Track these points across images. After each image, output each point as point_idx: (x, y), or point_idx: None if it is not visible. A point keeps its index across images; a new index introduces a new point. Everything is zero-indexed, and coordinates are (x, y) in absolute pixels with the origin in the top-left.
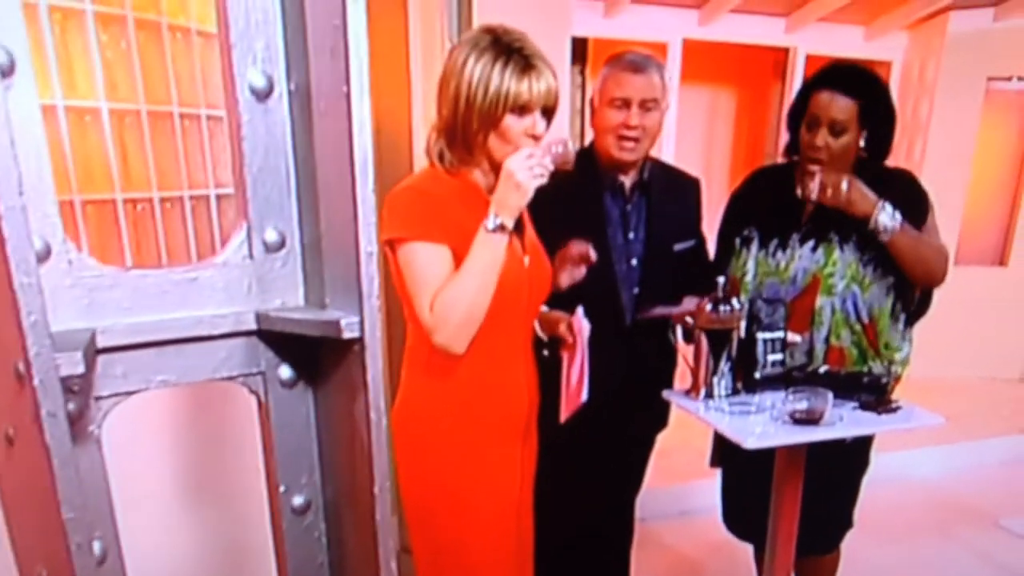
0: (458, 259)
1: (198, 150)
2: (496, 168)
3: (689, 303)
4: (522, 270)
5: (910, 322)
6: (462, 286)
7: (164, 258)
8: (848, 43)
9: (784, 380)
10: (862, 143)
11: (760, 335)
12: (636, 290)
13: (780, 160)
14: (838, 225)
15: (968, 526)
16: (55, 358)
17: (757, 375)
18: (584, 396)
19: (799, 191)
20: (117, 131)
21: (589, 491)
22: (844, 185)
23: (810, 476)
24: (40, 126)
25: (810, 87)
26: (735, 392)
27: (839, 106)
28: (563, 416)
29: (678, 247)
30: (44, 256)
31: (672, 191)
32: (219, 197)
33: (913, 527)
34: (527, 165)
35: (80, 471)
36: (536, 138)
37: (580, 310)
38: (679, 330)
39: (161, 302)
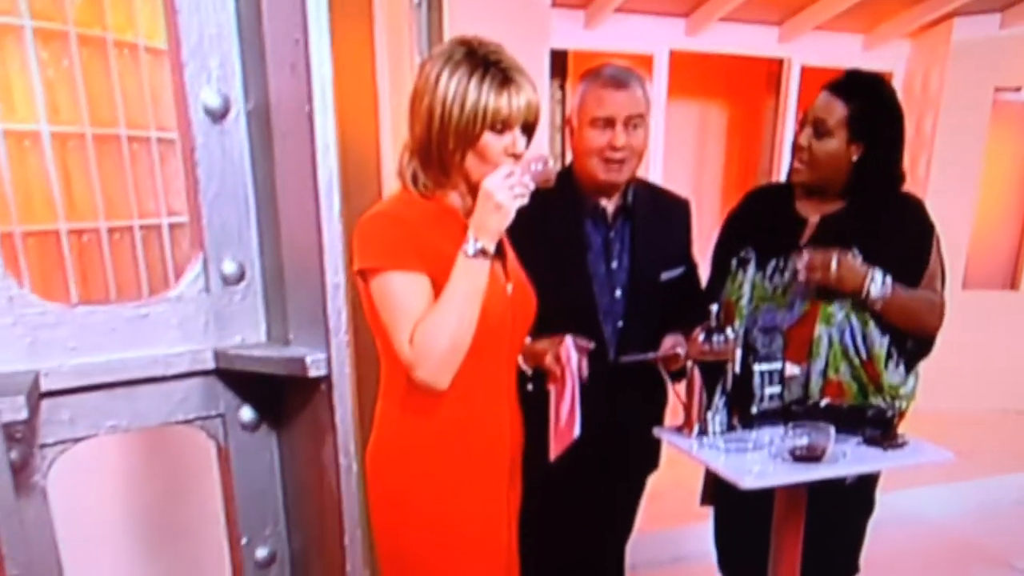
0: (437, 288)
1: (148, 176)
2: (474, 190)
3: (668, 343)
4: (505, 298)
5: (909, 365)
6: (443, 317)
7: (113, 293)
8: (846, 53)
9: (783, 415)
10: (855, 158)
11: (757, 367)
12: (620, 323)
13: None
14: (840, 249)
15: (981, 569)
16: None
17: (754, 409)
18: (576, 431)
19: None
20: (60, 156)
21: (576, 537)
22: (833, 263)
23: (810, 519)
24: None
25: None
26: (731, 428)
27: (825, 106)
28: (552, 454)
29: (665, 276)
30: None
31: (659, 214)
32: (172, 226)
33: (923, 571)
34: (507, 184)
35: (25, 524)
36: (517, 157)
37: (568, 339)
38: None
39: (110, 341)
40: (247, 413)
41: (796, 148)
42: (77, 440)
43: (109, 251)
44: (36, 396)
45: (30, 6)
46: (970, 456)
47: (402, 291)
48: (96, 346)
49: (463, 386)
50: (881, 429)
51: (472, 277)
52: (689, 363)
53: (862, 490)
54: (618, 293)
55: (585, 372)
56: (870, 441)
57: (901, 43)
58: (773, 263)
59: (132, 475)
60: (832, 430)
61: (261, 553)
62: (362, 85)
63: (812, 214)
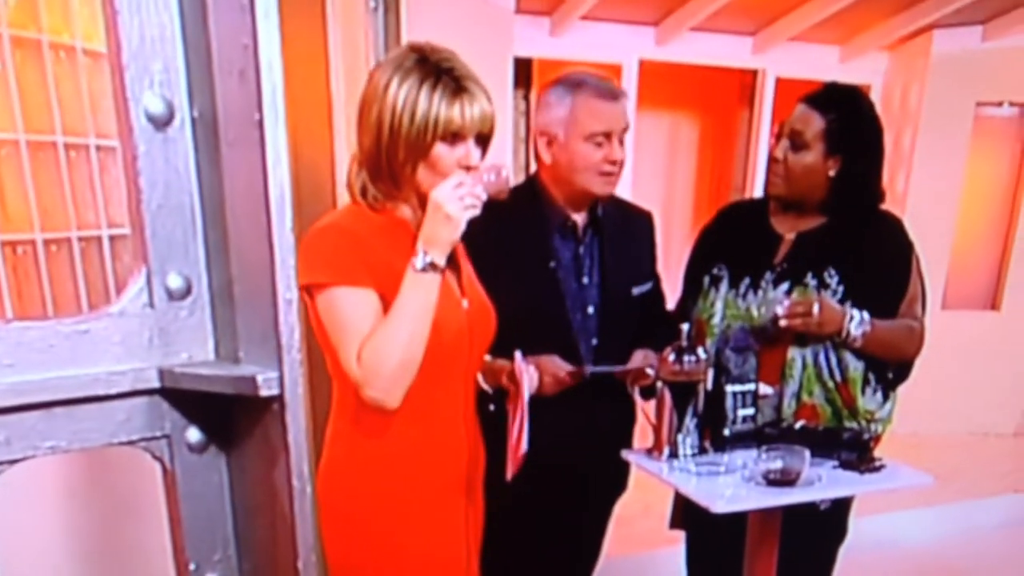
0: (387, 304)
1: (87, 185)
2: (425, 203)
3: (638, 358)
4: (461, 314)
5: (887, 391)
6: (392, 333)
7: (51, 308)
8: (822, 65)
9: (756, 437)
10: (832, 172)
11: (729, 387)
12: (595, 341)
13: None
14: (815, 266)
15: None
16: None
17: (726, 432)
18: (524, 447)
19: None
20: None
21: (541, 564)
22: (815, 309)
23: (784, 544)
24: None
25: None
26: (702, 451)
27: (801, 117)
28: (509, 473)
29: (636, 291)
30: None
31: (626, 228)
32: (113, 238)
33: None
34: (456, 195)
35: None
36: (470, 169)
37: (518, 355)
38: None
39: (48, 358)
40: (194, 434)
41: (772, 161)
42: (14, 462)
43: (46, 264)
44: None
45: None
46: (949, 479)
47: (349, 307)
48: (33, 363)
49: (417, 404)
50: (857, 452)
51: (422, 292)
52: (659, 383)
53: (834, 514)
54: (591, 310)
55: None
56: (846, 464)
57: (879, 55)
58: (747, 281)
59: (73, 500)
60: (807, 453)
61: None
62: (315, 92)
63: (788, 231)
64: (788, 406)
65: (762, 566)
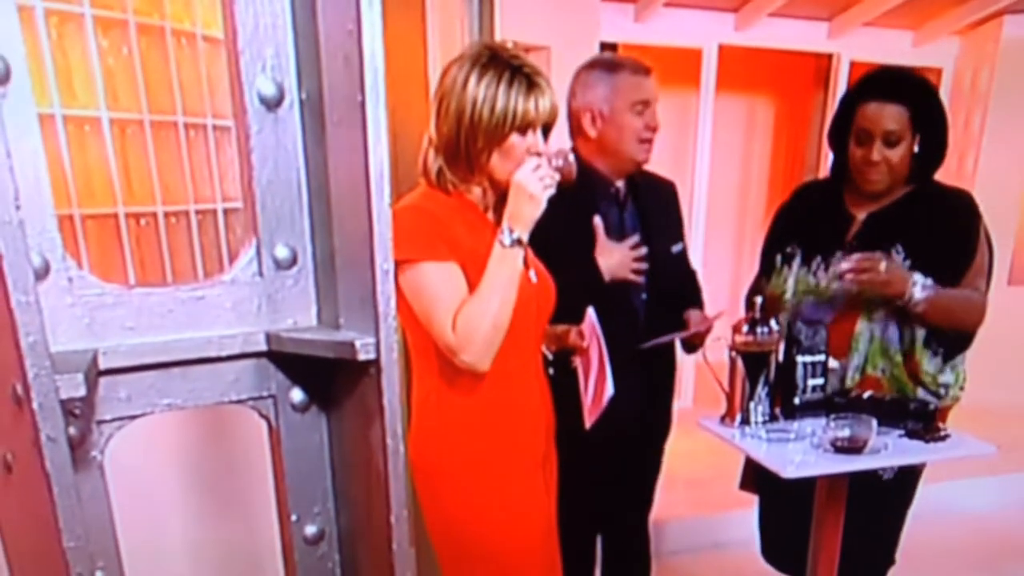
0: (467, 279)
1: (204, 162)
2: (495, 186)
3: (695, 320)
4: (530, 286)
5: (947, 356)
6: (485, 302)
7: (169, 275)
8: (895, 49)
9: (825, 406)
10: (915, 149)
11: (800, 358)
12: (644, 295)
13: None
14: (883, 244)
15: (1021, 563)
16: (55, 380)
17: (796, 400)
18: (610, 390)
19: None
20: (119, 142)
21: (607, 506)
22: (881, 265)
23: (850, 509)
24: (37, 136)
25: (854, 98)
26: (773, 418)
27: (890, 115)
28: (588, 422)
29: (674, 249)
30: (43, 274)
31: (657, 194)
32: (227, 211)
33: (961, 564)
34: (537, 176)
35: (82, 499)
36: (538, 155)
37: (591, 310)
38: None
39: (166, 322)
40: (297, 395)
41: (866, 164)
42: (134, 417)
43: (166, 235)
44: (94, 374)
45: None
46: (1012, 449)
47: (438, 280)
48: (152, 327)
49: (498, 369)
50: (923, 422)
51: (509, 264)
52: (732, 353)
53: (905, 482)
54: None
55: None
56: (912, 434)
57: (950, 40)
58: (819, 259)
59: (186, 454)
60: (874, 422)
61: (310, 530)
62: (414, 76)
63: (860, 211)
64: (852, 378)
65: (829, 529)
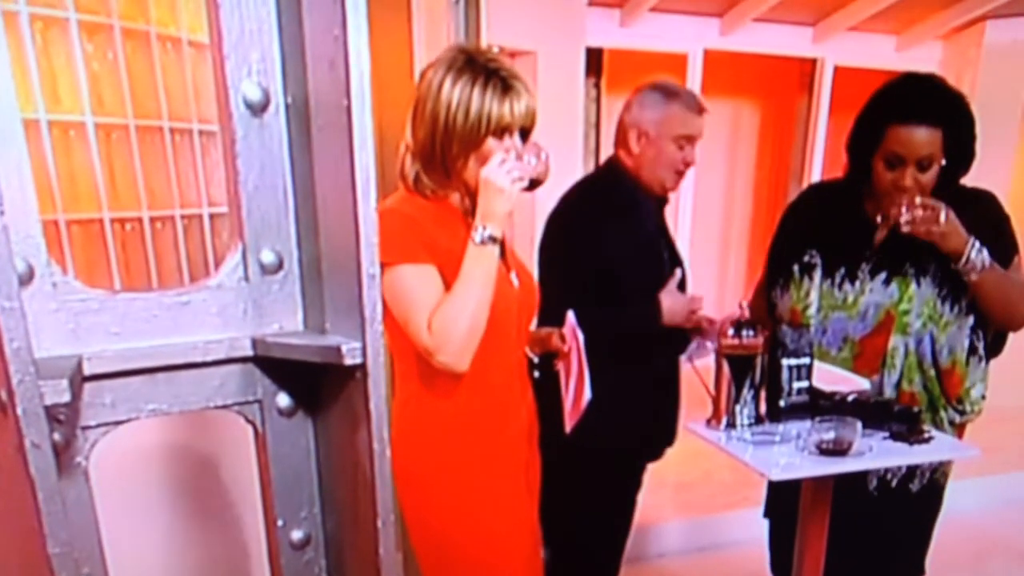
0: (443, 281)
1: (190, 167)
2: (472, 192)
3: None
4: (511, 289)
5: (988, 356)
6: (460, 302)
7: (155, 280)
8: (879, 54)
9: (810, 409)
10: (944, 161)
11: (785, 361)
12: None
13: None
14: (914, 256)
15: (1002, 563)
16: (39, 386)
17: (782, 403)
18: (587, 394)
19: (880, 218)
20: (104, 147)
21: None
22: (943, 215)
23: (878, 520)
24: (22, 141)
25: (883, 117)
26: (758, 421)
27: (924, 140)
28: (568, 426)
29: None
30: (27, 279)
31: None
32: (212, 216)
33: (944, 564)
34: (504, 169)
35: (67, 504)
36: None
37: (571, 314)
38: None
39: (151, 327)
40: (284, 399)
41: (897, 189)
42: (119, 423)
43: (151, 240)
44: (79, 379)
45: (75, 0)
46: (998, 451)
47: (415, 283)
48: (137, 332)
49: (479, 373)
50: (907, 423)
51: (483, 263)
52: (717, 356)
53: (932, 491)
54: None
55: None
56: (896, 436)
57: (934, 45)
58: (843, 270)
59: (172, 459)
60: (859, 424)
61: (296, 535)
62: (400, 81)
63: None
64: (889, 395)
65: (814, 532)
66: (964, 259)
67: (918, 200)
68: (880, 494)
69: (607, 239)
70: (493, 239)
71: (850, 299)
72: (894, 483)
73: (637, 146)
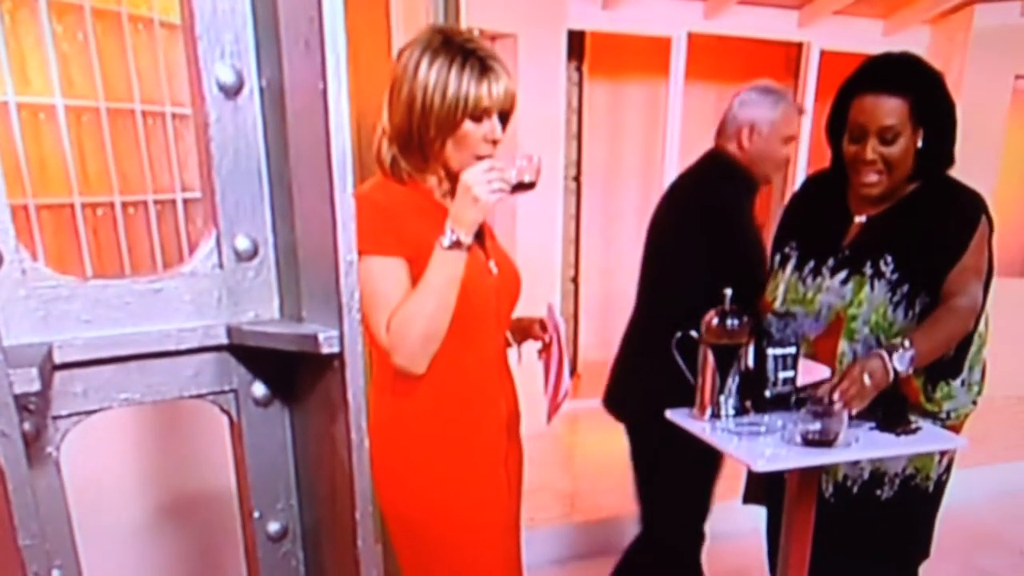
0: (415, 272)
1: (163, 151)
2: (451, 175)
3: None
4: (489, 278)
5: (951, 376)
6: (419, 305)
7: (127, 267)
8: (866, 38)
9: (796, 399)
10: (920, 143)
11: (771, 351)
12: None
13: None
14: (874, 254)
15: (988, 555)
16: (8, 374)
17: (767, 393)
18: (566, 383)
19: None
20: (74, 130)
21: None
22: (865, 379)
23: (882, 519)
24: None
25: (848, 90)
26: (743, 412)
27: (886, 109)
28: (549, 417)
29: None
30: None
31: None
32: (186, 201)
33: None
34: (486, 179)
35: (37, 495)
36: (495, 143)
37: (551, 304)
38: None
39: (123, 315)
40: (259, 389)
41: (860, 162)
42: (90, 412)
43: (123, 225)
44: (49, 368)
45: None
46: (983, 442)
47: (380, 276)
48: (109, 320)
49: (455, 362)
50: (894, 415)
51: (448, 267)
52: (702, 346)
53: (914, 500)
54: None
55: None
56: (883, 426)
57: (921, 29)
58: (812, 264)
59: (146, 449)
60: (845, 415)
61: (273, 527)
62: (377, 64)
63: (861, 212)
64: None
65: (799, 521)
66: (892, 379)
67: (838, 392)
68: (837, 500)
69: (749, 223)
70: (460, 244)
71: (809, 295)
72: (855, 489)
73: (748, 142)
